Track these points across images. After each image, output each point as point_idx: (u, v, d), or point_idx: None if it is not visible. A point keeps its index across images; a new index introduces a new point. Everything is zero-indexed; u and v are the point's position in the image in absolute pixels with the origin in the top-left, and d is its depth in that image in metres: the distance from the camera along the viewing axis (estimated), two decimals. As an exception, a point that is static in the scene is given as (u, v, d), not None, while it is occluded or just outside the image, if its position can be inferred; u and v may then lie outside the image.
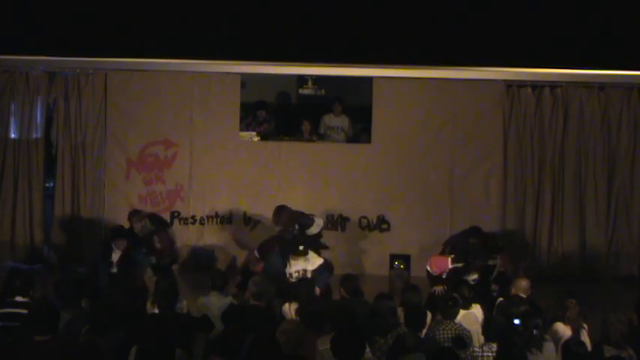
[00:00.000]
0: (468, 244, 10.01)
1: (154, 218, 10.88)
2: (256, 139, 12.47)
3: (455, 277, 9.29)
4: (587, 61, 11.63)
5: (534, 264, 12.10)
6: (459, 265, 9.49)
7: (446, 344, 7.18)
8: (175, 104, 12.25)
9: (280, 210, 10.41)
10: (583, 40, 11.34)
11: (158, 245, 10.24)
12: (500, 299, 8.62)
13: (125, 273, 9.56)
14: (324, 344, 6.65)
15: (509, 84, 12.34)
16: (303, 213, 10.37)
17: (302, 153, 12.35)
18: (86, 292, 7.61)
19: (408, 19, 11.44)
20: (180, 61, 11.93)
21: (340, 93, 12.77)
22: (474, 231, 10.48)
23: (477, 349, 7.04)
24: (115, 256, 9.79)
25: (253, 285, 7.90)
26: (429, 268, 9.64)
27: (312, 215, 10.36)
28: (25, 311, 7.13)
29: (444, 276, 9.48)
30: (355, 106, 12.71)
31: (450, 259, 9.57)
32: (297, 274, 9.10)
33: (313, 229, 10.11)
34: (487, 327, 7.35)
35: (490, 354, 6.90)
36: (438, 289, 9.15)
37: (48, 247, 12.30)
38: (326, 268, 9.33)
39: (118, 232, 10.19)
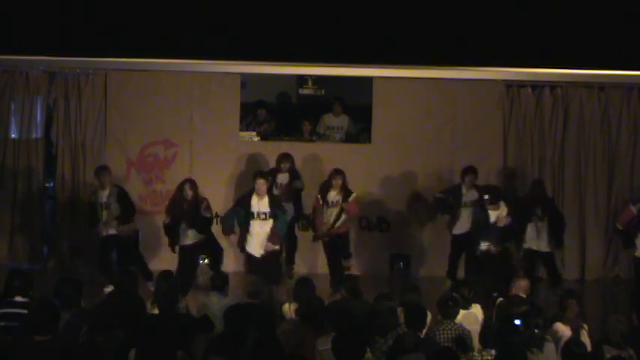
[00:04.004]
0: None
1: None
2: (256, 139, 12.48)
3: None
4: (587, 61, 11.63)
5: None
6: None
7: (446, 344, 7.18)
8: (175, 104, 12.26)
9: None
10: (583, 40, 11.33)
11: None
12: (500, 299, 8.62)
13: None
14: (323, 344, 6.66)
15: (509, 84, 12.34)
16: None
17: (302, 153, 12.35)
18: None
19: (407, 19, 11.44)
20: (180, 61, 11.93)
21: (340, 93, 12.78)
22: None
23: (476, 355, 7.04)
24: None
25: (249, 284, 7.92)
26: (618, 226, 10.49)
27: None
28: (25, 311, 7.14)
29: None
30: (355, 106, 12.71)
31: (633, 207, 10.23)
32: None
33: None
34: (485, 332, 7.34)
35: (489, 357, 6.90)
36: None
37: (48, 247, 12.31)
38: None
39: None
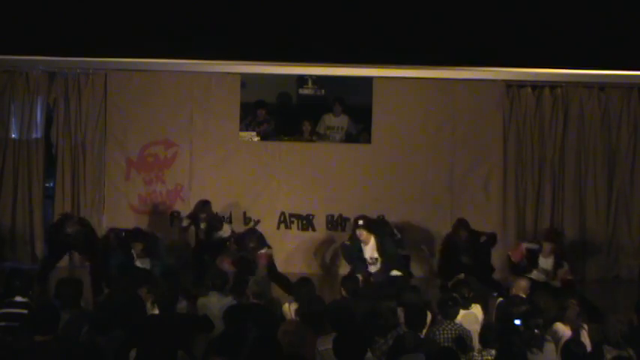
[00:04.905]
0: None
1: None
2: (256, 139, 12.48)
3: (532, 260, 10.24)
4: (587, 61, 11.63)
5: None
6: (533, 246, 10.39)
7: (446, 344, 7.18)
8: (175, 104, 12.26)
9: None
10: (583, 40, 11.33)
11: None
12: (500, 299, 8.62)
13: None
14: (324, 344, 6.66)
15: (509, 84, 12.34)
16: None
17: (302, 153, 12.35)
18: None
19: (407, 19, 11.43)
20: (180, 61, 11.92)
21: (340, 93, 12.77)
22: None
23: (476, 355, 7.04)
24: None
25: (254, 284, 7.91)
26: (512, 258, 10.56)
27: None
28: (25, 311, 7.14)
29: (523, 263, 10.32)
30: (355, 106, 12.71)
31: (523, 244, 10.55)
32: None
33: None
34: (485, 332, 7.34)
35: (489, 357, 6.90)
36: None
37: (48, 247, 12.30)
38: None
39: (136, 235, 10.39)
